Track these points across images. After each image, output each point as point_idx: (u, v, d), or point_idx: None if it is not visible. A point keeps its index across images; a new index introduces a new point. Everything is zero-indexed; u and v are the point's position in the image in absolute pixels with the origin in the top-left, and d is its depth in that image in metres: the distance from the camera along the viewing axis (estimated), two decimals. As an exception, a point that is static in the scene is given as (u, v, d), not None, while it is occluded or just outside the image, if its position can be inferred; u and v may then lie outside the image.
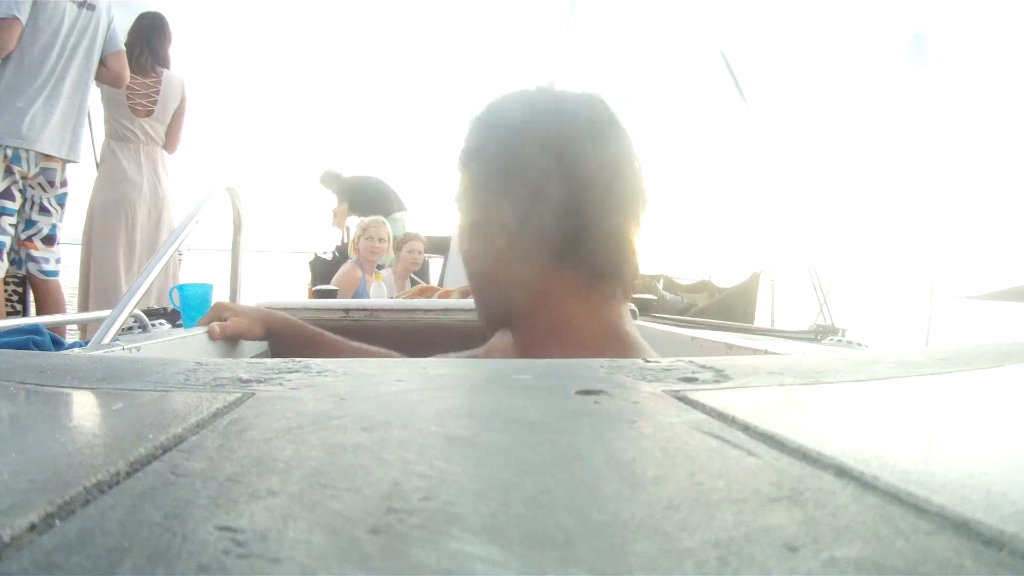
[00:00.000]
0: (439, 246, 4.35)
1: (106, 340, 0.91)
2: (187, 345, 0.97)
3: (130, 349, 0.81)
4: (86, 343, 0.96)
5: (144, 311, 1.70)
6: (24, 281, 2.61)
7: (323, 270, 4.21)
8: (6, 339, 0.83)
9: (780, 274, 4.81)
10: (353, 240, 3.25)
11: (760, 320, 4.50)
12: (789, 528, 0.18)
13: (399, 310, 1.56)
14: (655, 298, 3.89)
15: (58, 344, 0.88)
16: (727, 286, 4.97)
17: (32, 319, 0.97)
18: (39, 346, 0.84)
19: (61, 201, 2.60)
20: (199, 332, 1.03)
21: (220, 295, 1.79)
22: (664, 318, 2.57)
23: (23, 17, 2.43)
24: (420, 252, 3.53)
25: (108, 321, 0.94)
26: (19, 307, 2.62)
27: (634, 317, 1.72)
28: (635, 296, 3.43)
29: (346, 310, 1.54)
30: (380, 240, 3.19)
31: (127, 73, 2.87)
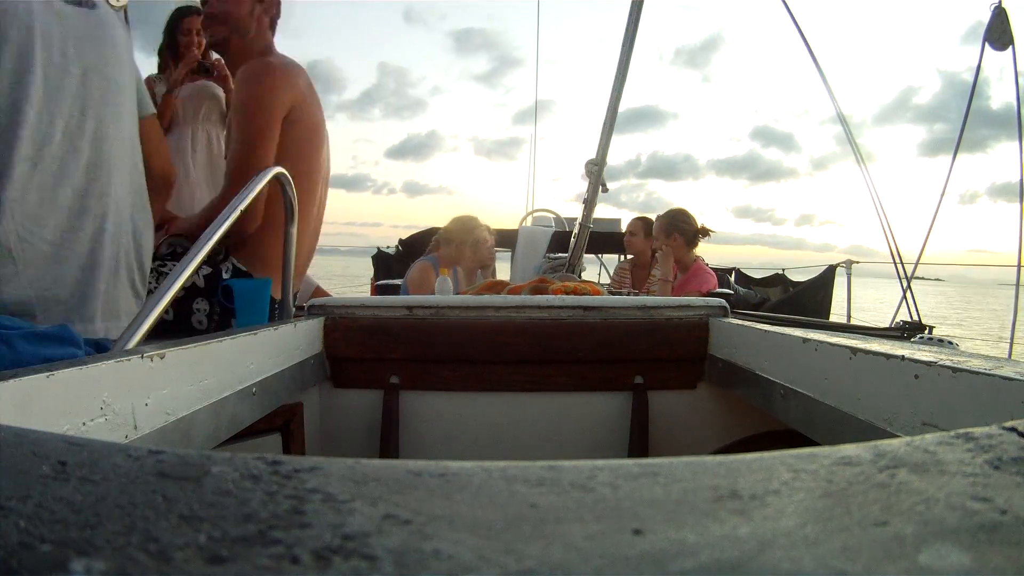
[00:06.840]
0: (506, 239, 4.19)
1: (131, 344, 0.77)
2: (219, 352, 0.81)
3: (152, 356, 0.66)
4: (112, 343, 0.82)
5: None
6: None
7: (387, 265, 4.09)
8: None
9: (856, 267, 4.58)
10: (438, 240, 2.76)
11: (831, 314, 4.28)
12: None
13: (468, 307, 1.42)
14: (732, 292, 3.67)
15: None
16: (801, 279, 4.76)
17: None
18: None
19: None
20: (239, 335, 0.87)
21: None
22: (747, 314, 2.34)
23: None
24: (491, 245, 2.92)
25: (135, 321, 0.80)
26: None
27: (725, 315, 1.56)
28: (713, 291, 3.19)
29: (409, 307, 1.39)
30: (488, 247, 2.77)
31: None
